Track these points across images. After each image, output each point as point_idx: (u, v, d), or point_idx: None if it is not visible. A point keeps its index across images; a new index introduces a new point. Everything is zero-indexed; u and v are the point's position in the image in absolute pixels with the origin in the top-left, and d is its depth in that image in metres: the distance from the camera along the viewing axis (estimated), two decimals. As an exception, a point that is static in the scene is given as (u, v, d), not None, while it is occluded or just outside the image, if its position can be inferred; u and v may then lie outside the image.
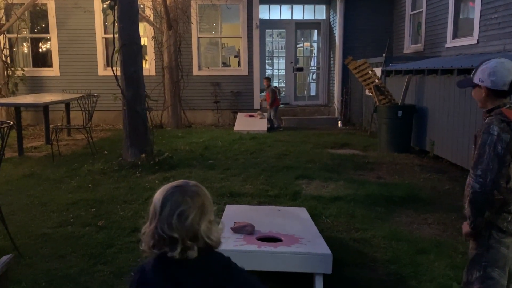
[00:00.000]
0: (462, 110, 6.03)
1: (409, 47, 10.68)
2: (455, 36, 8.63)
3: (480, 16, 7.59)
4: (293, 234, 3.24)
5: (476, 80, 2.18)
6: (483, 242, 2.18)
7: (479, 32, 7.65)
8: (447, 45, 8.79)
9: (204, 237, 1.38)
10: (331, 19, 12.18)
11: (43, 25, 11.24)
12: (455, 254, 3.58)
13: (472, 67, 5.70)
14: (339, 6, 11.33)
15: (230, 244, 2.94)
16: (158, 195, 1.42)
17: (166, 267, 1.39)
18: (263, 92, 11.67)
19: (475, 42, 7.75)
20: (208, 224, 1.40)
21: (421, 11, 9.97)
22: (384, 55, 9.02)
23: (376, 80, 8.21)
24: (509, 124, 2.08)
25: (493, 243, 2.15)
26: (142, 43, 6.87)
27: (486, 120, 2.17)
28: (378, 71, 8.72)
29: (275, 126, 10.22)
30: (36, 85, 10.87)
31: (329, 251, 2.91)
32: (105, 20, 10.69)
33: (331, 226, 4.19)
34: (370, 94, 8.49)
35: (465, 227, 2.20)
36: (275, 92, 10.48)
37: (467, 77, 2.46)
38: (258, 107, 11.29)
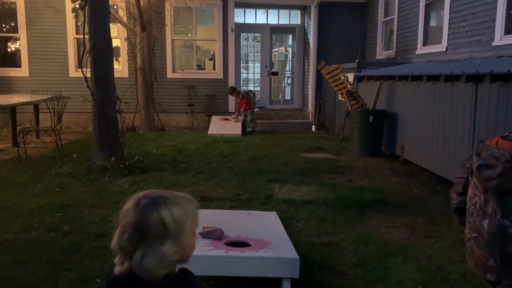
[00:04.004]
0: (431, 116, 6.16)
1: (381, 53, 10.88)
2: (425, 43, 8.83)
3: (449, 24, 7.80)
4: (262, 238, 3.23)
5: None
6: None
7: (447, 39, 7.85)
8: (417, 52, 8.99)
9: (136, 263, 1.20)
10: (306, 24, 12.29)
11: (12, 24, 10.93)
12: (422, 257, 3.64)
13: (440, 74, 5.84)
14: (313, 12, 11.45)
15: (197, 249, 2.90)
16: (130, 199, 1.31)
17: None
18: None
19: (444, 49, 7.95)
20: (144, 251, 1.20)
21: (393, 18, 10.18)
22: (357, 60, 9.16)
23: (349, 86, 8.32)
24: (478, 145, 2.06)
25: None
26: (115, 45, 6.78)
27: None
28: (351, 76, 8.84)
29: (251, 129, 10.18)
30: (4, 85, 10.55)
31: (296, 256, 2.91)
32: (76, 21, 10.47)
33: (301, 230, 4.20)
34: (343, 99, 8.59)
35: None
36: (248, 94, 10.41)
37: None
38: (233, 111, 11.26)
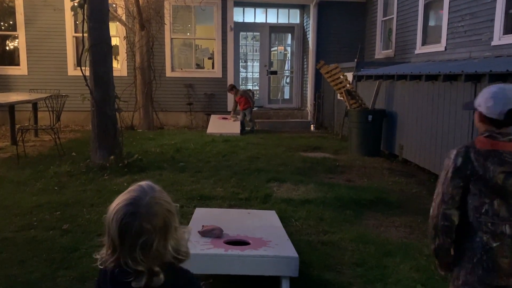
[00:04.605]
0: (430, 115, 6.17)
1: (380, 53, 10.88)
2: (424, 42, 8.84)
3: (448, 24, 7.80)
4: (261, 237, 3.23)
5: (475, 103, 1.97)
6: None
7: (446, 39, 7.86)
8: (416, 52, 8.99)
9: (174, 254, 1.29)
10: (305, 24, 12.29)
11: (10, 22, 10.91)
12: (420, 256, 3.65)
13: (439, 74, 5.85)
14: (312, 11, 11.44)
15: (197, 248, 2.90)
16: (112, 220, 1.26)
17: None
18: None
19: (443, 49, 7.96)
20: (175, 237, 1.29)
21: (392, 18, 10.18)
22: (356, 60, 9.16)
23: (347, 85, 8.32)
24: (468, 149, 1.91)
25: None
26: (114, 43, 6.76)
27: None
28: (350, 75, 8.84)
29: (250, 129, 10.16)
30: (2, 84, 10.52)
31: (295, 254, 2.91)
32: (75, 19, 10.45)
33: (300, 229, 4.21)
34: (342, 98, 8.59)
35: None
36: (247, 93, 10.38)
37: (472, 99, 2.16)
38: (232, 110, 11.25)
